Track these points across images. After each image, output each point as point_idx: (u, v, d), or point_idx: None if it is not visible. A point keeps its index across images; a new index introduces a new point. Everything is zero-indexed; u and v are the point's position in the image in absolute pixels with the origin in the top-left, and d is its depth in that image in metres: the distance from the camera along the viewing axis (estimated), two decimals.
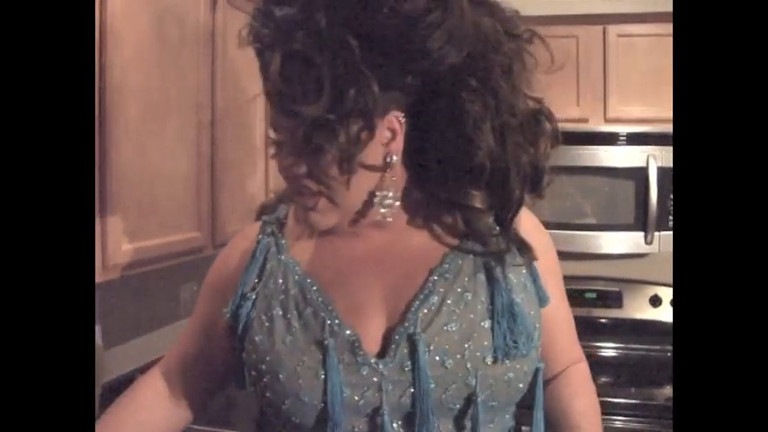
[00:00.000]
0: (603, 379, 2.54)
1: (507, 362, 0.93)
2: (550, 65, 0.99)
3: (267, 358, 0.97)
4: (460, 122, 0.89)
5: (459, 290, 0.95)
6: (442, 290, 0.95)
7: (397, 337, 0.94)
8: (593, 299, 2.93)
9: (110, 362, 2.02)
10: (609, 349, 2.78)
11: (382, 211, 0.95)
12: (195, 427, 1.98)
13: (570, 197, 2.67)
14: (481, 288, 0.96)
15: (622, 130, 2.61)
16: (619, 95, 2.69)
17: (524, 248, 0.99)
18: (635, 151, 2.59)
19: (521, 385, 0.96)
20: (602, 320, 2.91)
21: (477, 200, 0.95)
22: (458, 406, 0.94)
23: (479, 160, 0.90)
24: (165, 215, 1.76)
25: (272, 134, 0.96)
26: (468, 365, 0.92)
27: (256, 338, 0.99)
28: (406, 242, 1.00)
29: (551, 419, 1.07)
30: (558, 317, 1.09)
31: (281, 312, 0.98)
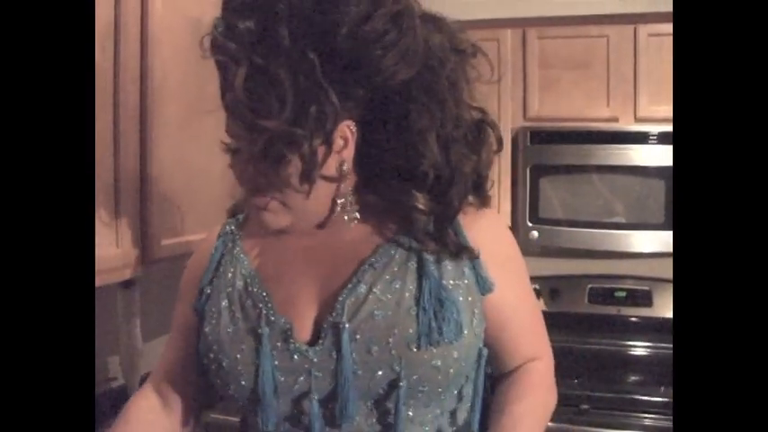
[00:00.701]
0: (633, 378, 2.54)
1: (433, 348, 0.97)
2: (491, 76, 1.05)
3: (214, 347, 1.05)
4: (408, 132, 0.96)
5: (387, 278, 1.01)
6: (370, 279, 1.01)
7: (325, 326, 1.00)
8: (622, 298, 2.93)
9: (148, 355, 2.07)
10: (638, 348, 2.77)
11: (346, 218, 1.03)
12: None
13: (600, 196, 2.69)
14: (411, 276, 1.01)
15: (653, 129, 2.61)
16: (649, 95, 2.69)
17: (461, 251, 1.03)
18: (665, 150, 2.59)
19: (451, 371, 0.99)
20: (632, 319, 2.91)
21: (420, 201, 1.00)
22: (384, 390, 0.99)
23: (424, 168, 0.97)
24: (202, 212, 1.81)
25: (227, 140, 1.02)
26: (394, 352, 0.97)
27: (206, 329, 1.07)
28: (344, 237, 1.06)
29: (491, 420, 1.08)
30: (507, 307, 1.08)
31: (226, 304, 1.06)
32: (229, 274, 1.09)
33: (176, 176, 1.70)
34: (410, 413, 1.01)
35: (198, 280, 1.13)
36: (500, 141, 1.07)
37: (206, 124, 1.81)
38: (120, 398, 1.96)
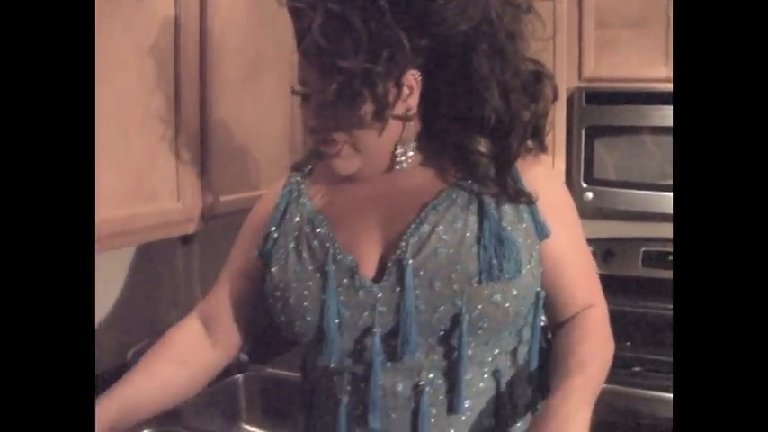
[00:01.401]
0: None
1: (493, 284, 1.03)
2: (544, 33, 1.10)
3: (281, 285, 1.11)
4: (470, 80, 1.02)
5: (449, 219, 1.06)
6: (433, 220, 1.06)
7: (389, 264, 1.07)
8: None
9: None
10: None
11: (402, 159, 1.10)
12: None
13: (656, 158, 2.65)
14: (472, 217, 1.06)
15: None
16: None
17: (519, 194, 1.08)
18: None
19: (511, 308, 1.05)
20: None
21: (482, 145, 1.06)
22: (446, 326, 1.05)
23: (486, 113, 1.03)
24: (260, 169, 1.85)
25: (298, 87, 1.09)
26: (455, 287, 1.03)
27: (273, 270, 1.14)
28: (408, 183, 1.12)
29: (555, 362, 1.11)
30: (563, 255, 1.13)
31: (293, 246, 1.13)
32: (296, 219, 1.15)
33: (235, 133, 1.74)
34: (469, 352, 1.06)
35: (261, 228, 1.19)
36: (556, 91, 1.12)
37: (264, 83, 1.85)
38: None
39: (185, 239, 1.90)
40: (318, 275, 1.09)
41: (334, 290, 1.07)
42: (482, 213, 1.06)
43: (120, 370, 1.80)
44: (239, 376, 2.11)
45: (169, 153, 1.53)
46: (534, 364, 1.15)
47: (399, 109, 1.04)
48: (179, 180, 1.55)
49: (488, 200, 1.07)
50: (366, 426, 1.09)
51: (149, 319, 1.99)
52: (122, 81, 1.39)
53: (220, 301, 1.27)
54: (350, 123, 1.04)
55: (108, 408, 1.13)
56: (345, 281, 1.08)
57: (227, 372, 2.09)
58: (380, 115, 1.02)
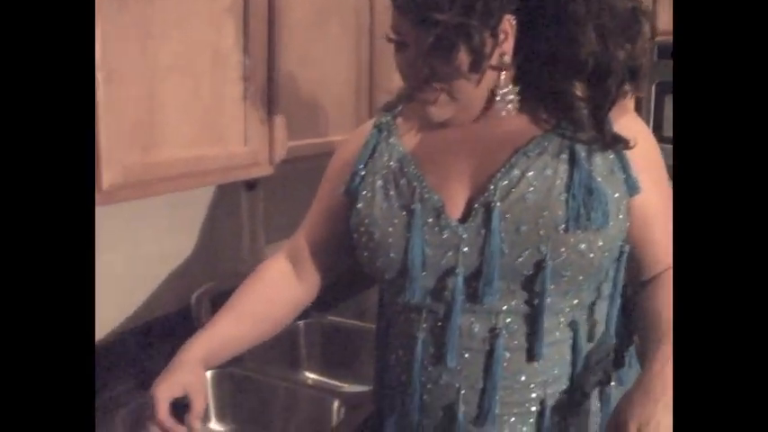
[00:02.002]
0: None
1: (579, 232, 1.03)
2: None
3: (366, 221, 1.14)
4: (565, 23, 1.01)
5: (540, 165, 1.06)
6: (523, 165, 1.06)
7: (476, 206, 1.07)
8: None
9: (270, 256, 2.14)
10: None
11: (497, 106, 1.09)
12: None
13: None
14: (562, 166, 1.06)
15: None
16: None
17: (616, 140, 1.06)
18: None
19: (592, 255, 1.04)
20: None
21: (578, 89, 1.04)
22: (529, 272, 1.05)
23: (582, 57, 1.01)
24: (326, 116, 1.84)
25: (392, 35, 1.08)
26: (542, 232, 1.03)
27: (359, 206, 1.16)
28: (500, 128, 1.11)
29: (641, 322, 1.13)
30: (652, 212, 1.11)
31: (381, 184, 1.15)
32: (384, 158, 1.17)
33: (303, 79, 1.73)
34: (549, 300, 1.06)
35: (348, 166, 1.21)
36: (654, 30, 1.10)
37: (331, 28, 1.83)
38: None
39: (249, 185, 1.91)
40: (404, 213, 1.11)
41: (420, 228, 1.09)
42: (573, 162, 1.06)
43: (184, 313, 1.85)
44: (300, 323, 2.13)
45: (237, 97, 1.52)
46: (613, 321, 1.15)
47: (495, 55, 1.03)
48: (246, 124, 1.55)
49: (580, 149, 1.06)
50: (440, 364, 1.11)
51: (212, 263, 2.02)
52: (192, 25, 1.39)
53: (307, 240, 1.31)
54: (446, 74, 1.04)
55: (200, 346, 1.21)
56: (431, 220, 1.09)
57: None
58: (477, 66, 1.02)
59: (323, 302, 2.10)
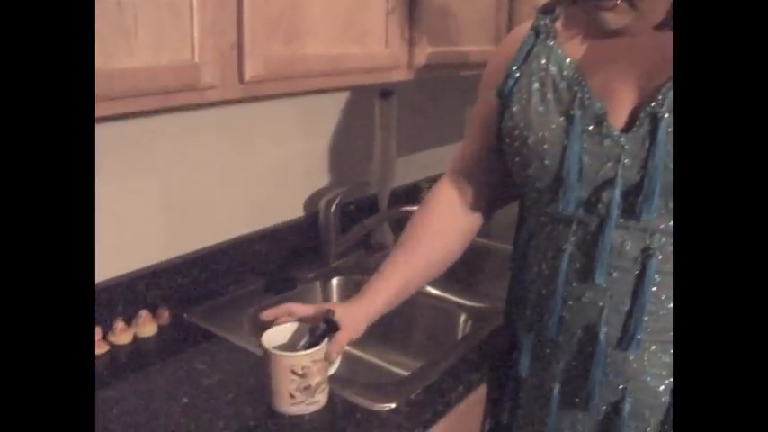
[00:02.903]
0: None
1: None
2: None
3: (521, 125, 1.08)
4: None
5: None
6: None
7: (642, 115, 0.99)
8: None
9: (399, 169, 2.13)
10: None
11: None
12: None
13: None
14: None
15: None
16: None
17: None
18: None
19: None
20: None
21: None
22: None
23: None
24: (466, 26, 1.78)
25: None
26: None
27: (514, 109, 1.10)
28: (671, 41, 1.00)
29: None
30: None
31: (538, 87, 1.08)
32: (542, 61, 1.10)
33: None
34: None
35: (503, 67, 1.14)
36: None
37: None
38: (370, 205, 2.04)
39: (384, 94, 1.88)
40: (562, 119, 1.04)
41: (578, 135, 1.03)
42: None
43: (312, 219, 1.86)
44: None
45: None
46: None
47: None
48: (388, 25, 1.51)
49: None
50: (585, 280, 1.07)
51: (343, 172, 2.01)
52: None
53: (469, 157, 1.28)
54: None
55: (386, 288, 1.24)
56: (591, 128, 1.03)
57: None
58: None
59: None
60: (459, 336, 1.59)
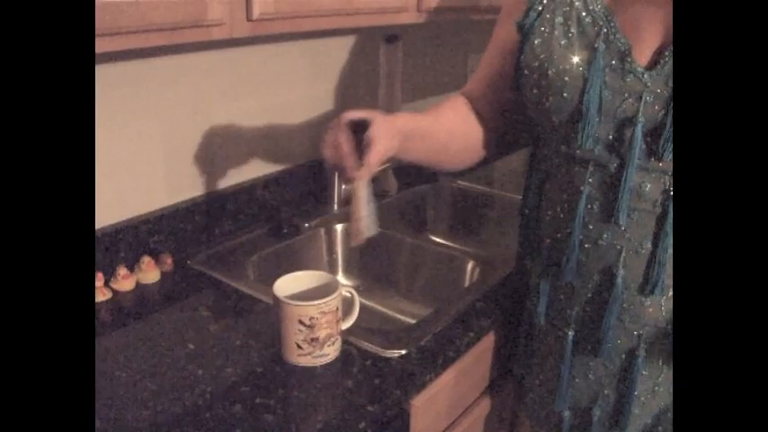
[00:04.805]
0: None
1: None
2: None
3: (541, 56, 1.05)
4: None
5: None
6: None
7: (666, 53, 0.96)
8: None
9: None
10: None
11: None
12: None
13: None
14: None
15: None
16: None
17: None
18: None
19: None
20: None
21: None
22: None
23: None
24: None
25: None
26: None
27: (535, 41, 1.06)
28: None
29: None
30: None
31: (561, 20, 1.04)
32: None
33: None
34: None
35: (524, 2, 1.11)
36: None
37: None
38: None
39: (390, 39, 1.83)
40: (585, 52, 1.01)
41: (601, 69, 0.99)
42: None
43: (317, 164, 1.83)
44: (427, 186, 2.09)
45: None
46: None
47: None
48: None
49: None
50: (603, 222, 1.05)
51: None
52: None
53: (480, 79, 1.26)
54: None
55: (414, 116, 1.20)
56: (614, 62, 1.00)
57: (417, 180, 2.08)
58: None
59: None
60: (467, 283, 1.57)
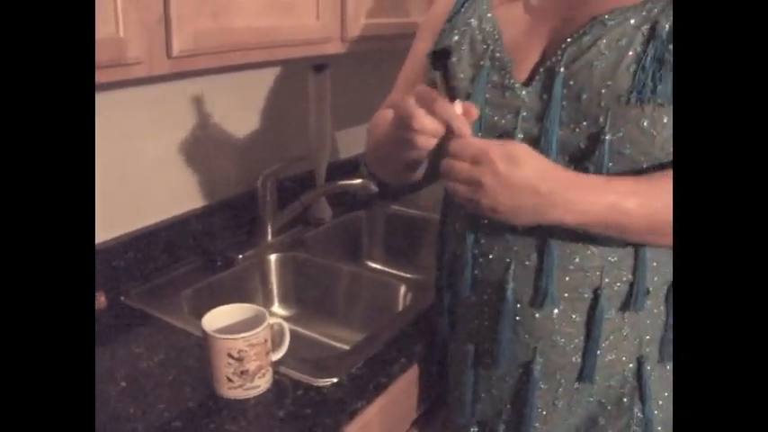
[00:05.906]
0: None
1: (643, 105, 0.94)
2: None
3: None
4: None
5: (615, 36, 0.97)
6: (597, 33, 0.98)
7: (541, 70, 1.02)
8: None
9: (336, 144, 2.11)
10: None
11: None
12: None
13: None
14: (639, 39, 0.96)
15: None
16: None
17: None
18: None
19: (654, 133, 0.95)
20: None
21: None
22: (585, 145, 0.99)
23: None
24: None
25: None
26: (602, 104, 0.96)
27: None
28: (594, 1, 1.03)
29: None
30: None
31: (457, 39, 1.11)
32: (467, 15, 1.12)
33: None
34: None
35: (438, 21, 1.18)
36: None
37: None
38: (307, 180, 2.02)
39: (318, 68, 1.85)
40: (471, 69, 1.08)
41: (483, 85, 1.06)
42: (652, 36, 0.96)
43: (249, 195, 1.84)
44: (362, 212, 2.11)
45: None
46: None
47: None
48: None
49: (664, 24, 0.95)
50: (494, 235, 1.08)
51: (279, 146, 1.99)
52: None
53: (403, 93, 1.27)
54: None
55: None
56: (496, 78, 1.06)
57: (351, 207, 2.10)
58: None
59: (387, 192, 2.08)
60: (400, 308, 1.59)
